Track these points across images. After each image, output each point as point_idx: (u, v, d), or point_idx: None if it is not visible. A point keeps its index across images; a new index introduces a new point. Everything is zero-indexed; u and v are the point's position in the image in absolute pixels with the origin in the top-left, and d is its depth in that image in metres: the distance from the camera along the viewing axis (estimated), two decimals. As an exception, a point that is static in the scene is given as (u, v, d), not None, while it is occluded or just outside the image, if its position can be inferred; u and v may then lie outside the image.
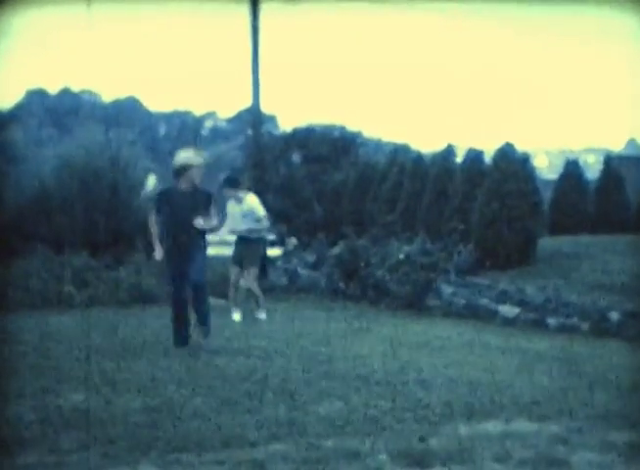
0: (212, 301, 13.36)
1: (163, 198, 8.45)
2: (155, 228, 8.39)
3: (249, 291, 11.27)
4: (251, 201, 11.27)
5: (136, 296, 13.17)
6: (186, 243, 8.19)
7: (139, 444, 4.50)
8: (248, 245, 11.14)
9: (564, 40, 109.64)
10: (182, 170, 8.39)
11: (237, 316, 11.12)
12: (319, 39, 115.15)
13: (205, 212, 8.27)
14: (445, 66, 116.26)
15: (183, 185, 8.35)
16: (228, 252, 15.12)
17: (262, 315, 11.25)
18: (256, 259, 11.39)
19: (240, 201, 11.17)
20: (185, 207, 8.23)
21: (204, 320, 8.30)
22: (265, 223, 11.38)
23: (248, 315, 11.20)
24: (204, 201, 8.32)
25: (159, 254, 8.30)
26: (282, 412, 5.26)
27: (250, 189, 12.70)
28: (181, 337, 8.20)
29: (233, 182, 11.37)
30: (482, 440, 4.72)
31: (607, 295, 11.29)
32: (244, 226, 11.14)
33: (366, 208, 18.54)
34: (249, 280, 11.17)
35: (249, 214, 11.14)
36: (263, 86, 17.55)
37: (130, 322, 10.36)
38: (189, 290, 8.22)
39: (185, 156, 8.54)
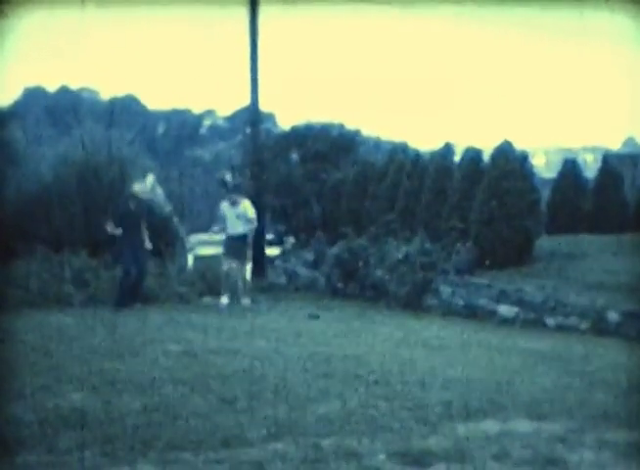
0: (209, 299, 13.40)
1: (121, 213, 12.33)
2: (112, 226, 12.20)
3: (244, 280, 13.03)
4: (245, 205, 13.07)
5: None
6: (135, 245, 12.26)
7: (138, 443, 4.50)
8: (242, 241, 12.96)
9: (562, 39, 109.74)
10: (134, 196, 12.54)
11: (225, 300, 12.91)
12: (318, 38, 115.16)
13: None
14: (444, 64, 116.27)
15: (133, 206, 12.43)
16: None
17: (247, 301, 12.91)
18: (249, 252, 13.20)
19: (236, 204, 12.99)
20: (136, 222, 12.36)
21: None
22: (255, 224, 13.20)
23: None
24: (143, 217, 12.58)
25: (110, 227, 12.17)
26: (280, 412, 5.26)
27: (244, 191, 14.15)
28: (125, 302, 11.96)
29: (227, 185, 13.22)
30: (481, 439, 4.73)
31: (605, 294, 11.30)
32: (240, 228, 12.98)
33: (365, 206, 18.56)
34: (245, 271, 13.05)
35: (242, 216, 12.96)
36: (262, 84, 17.54)
37: (129, 322, 10.35)
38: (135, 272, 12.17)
39: (141, 188, 12.76)
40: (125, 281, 12.30)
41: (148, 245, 12.54)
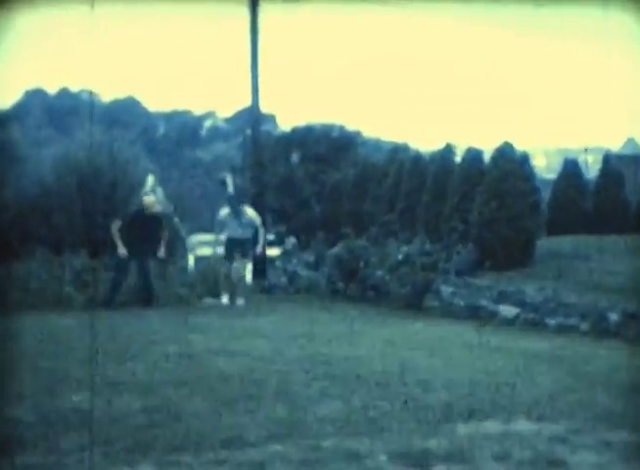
0: (210, 300, 13.41)
1: (131, 217, 12.67)
2: (117, 233, 12.38)
3: (242, 281, 13.46)
4: (251, 213, 13.54)
5: (136, 297, 13.15)
6: (142, 253, 12.49)
7: (139, 444, 4.51)
8: (246, 244, 13.33)
9: (562, 40, 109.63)
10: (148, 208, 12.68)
11: (225, 299, 13.14)
12: (318, 38, 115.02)
13: (158, 235, 12.59)
14: (444, 65, 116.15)
15: (146, 212, 12.63)
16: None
17: (241, 302, 13.07)
18: (250, 254, 13.75)
19: (240, 212, 13.29)
20: (144, 228, 12.43)
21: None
22: (263, 229, 13.74)
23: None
24: (158, 226, 12.67)
25: (122, 250, 12.32)
26: (281, 413, 5.26)
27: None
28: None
29: (228, 187, 13.48)
30: (482, 440, 4.73)
31: (606, 295, 11.30)
32: (243, 232, 13.32)
33: (365, 207, 18.57)
34: (245, 272, 13.66)
35: (248, 224, 13.35)
36: (262, 86, 17.55)
37: (130, 323, 10.35)
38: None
39: (152, 201, 12.77)
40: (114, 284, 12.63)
41: (161, 254, 12.82)
